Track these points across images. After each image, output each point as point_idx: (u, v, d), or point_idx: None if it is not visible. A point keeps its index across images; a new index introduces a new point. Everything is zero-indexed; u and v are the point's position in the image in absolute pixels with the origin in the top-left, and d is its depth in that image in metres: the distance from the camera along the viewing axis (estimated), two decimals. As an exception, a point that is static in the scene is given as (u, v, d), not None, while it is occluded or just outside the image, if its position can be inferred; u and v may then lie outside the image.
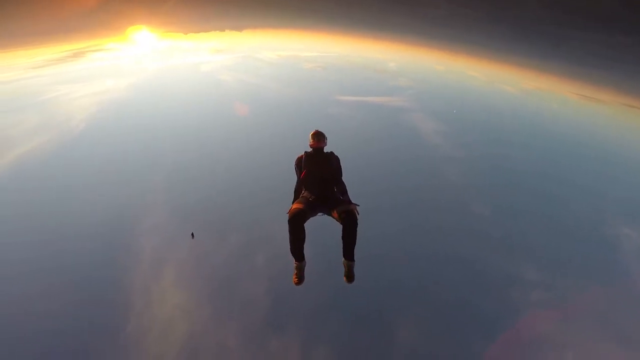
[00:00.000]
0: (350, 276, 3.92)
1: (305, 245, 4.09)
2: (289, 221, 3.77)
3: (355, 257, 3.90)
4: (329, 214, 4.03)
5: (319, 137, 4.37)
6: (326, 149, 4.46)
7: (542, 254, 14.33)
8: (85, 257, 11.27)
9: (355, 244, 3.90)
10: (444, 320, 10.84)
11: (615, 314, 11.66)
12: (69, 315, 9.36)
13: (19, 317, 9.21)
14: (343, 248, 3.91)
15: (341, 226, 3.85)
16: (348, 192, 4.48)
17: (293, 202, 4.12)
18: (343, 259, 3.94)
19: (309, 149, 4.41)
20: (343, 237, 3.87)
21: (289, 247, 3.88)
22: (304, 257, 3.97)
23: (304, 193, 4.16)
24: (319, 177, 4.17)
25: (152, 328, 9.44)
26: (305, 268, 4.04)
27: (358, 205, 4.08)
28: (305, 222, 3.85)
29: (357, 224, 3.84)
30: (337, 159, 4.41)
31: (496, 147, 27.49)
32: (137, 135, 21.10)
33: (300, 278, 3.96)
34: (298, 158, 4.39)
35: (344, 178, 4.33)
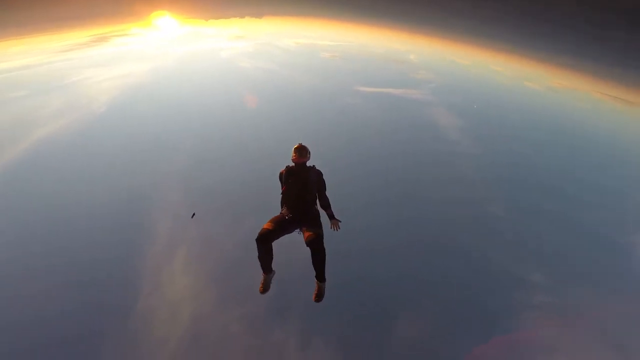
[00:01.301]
0: (319, 295, 4.05)
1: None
2: (256, 240, 3.87)
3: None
4: (303, 233, 4.07)
5: (300, 152, 4.38)
6: (310, 163, 4.49)
7: (554, 259, 13.83)
8: (103, 237, 11.67)
9: (324, 266, 3.96)
10: (443, 317, 10.66)
11: (621, 327, 11.15)
12: (82, 296, 9.72)
13: (32, 299, 9.54)
14: (314, 269, 4.00)
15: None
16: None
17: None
18: (315, 278, 4.04)
19: (292, 163, 4.42)
20: (312, 261, 3.94)
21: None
22: (271, 269, 4.16)
23: (283, 210, 4.23)
24: (297, 194, 4.20)
25: (159, 309, 9.72)
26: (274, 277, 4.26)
27: (340, 222, 4.21)
28: (273, 241, 3.96)
29: (322, 249, 3.88)
30: (318, 174, 4.45)
31: (516, 145, 26.52)
32: (157, 119, 21.57)
33: (265, 288, 4.16)
34: (280, 173, 4.46)
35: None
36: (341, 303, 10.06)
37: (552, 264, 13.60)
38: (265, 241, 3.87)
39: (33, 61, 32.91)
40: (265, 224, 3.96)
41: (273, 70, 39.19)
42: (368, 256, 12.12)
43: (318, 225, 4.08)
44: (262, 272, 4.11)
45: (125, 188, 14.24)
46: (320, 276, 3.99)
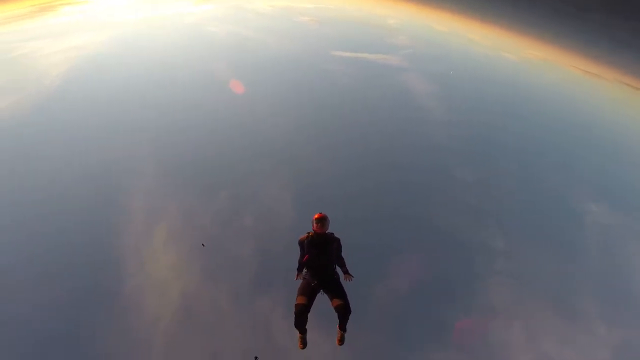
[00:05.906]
0: (341, 340, 4.79)
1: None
2: (295, 314, 4.49)
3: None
4: (328, 296, 4.69)
5: (323, 224, 4.68)
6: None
7: (515, 226, 14.46)
8: (70, 222, 10.90)
9: (347, 321, 4.62)
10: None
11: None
12: (68, 280, 9.21)
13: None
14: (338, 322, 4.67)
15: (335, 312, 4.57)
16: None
17: (297, 269, 4.91)
18: (337, 327, 4.74)
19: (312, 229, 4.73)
20: (338, 319, 4.63)
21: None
22: (306, 330, 4.74)
23: (306, 275, 4.81)
24: (321, 264, 4.73)
25: (147, 290, 9.44)
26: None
27: (353, 277, 4.85)
28: (309, 312, 4.56)
29: (349, 312, 4.55)
30: (338, 241, 4.89)
31: (489, 113, 26.95)
32: (119, 90, 19.95)
33: (304, 344, 4.80)
34: (301, 239, 4.83)
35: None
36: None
37: (515, 229, 14.19)
38: (303, 315, 4.49)
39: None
40: (297, 298, 4.54)
41: (247, 35, 36.80)
42: (341, 222, 12.03)
43: (342, 290, 4.68)
44: (298, 332, 4.71)
45: (90, 166, 13.28)
46: (343, 327, 4.66)
